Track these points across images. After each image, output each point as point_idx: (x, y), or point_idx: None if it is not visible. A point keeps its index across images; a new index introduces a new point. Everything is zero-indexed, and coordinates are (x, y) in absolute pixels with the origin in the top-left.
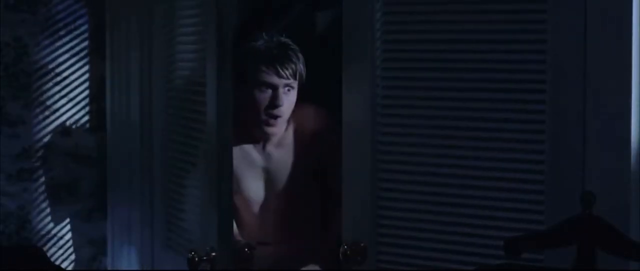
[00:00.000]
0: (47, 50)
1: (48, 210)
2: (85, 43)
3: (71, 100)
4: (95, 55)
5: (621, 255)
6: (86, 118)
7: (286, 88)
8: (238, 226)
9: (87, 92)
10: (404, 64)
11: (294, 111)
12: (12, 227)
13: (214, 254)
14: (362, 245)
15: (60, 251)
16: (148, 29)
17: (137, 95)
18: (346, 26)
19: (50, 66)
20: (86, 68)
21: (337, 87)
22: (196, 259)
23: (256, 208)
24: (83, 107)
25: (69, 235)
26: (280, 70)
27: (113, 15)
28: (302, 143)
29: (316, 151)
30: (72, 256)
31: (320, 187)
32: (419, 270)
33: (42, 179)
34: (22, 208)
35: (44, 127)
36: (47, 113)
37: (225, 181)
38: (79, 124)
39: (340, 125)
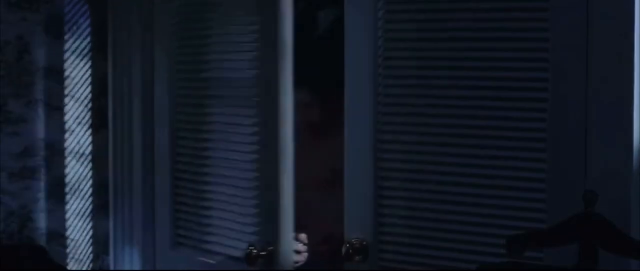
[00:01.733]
0: (49, 49)
1: (50, 209)
2: (88, 41)
3: (73, 98)
4: (98, 53)
5: (623, 254)
6: (88, 116)
7: None
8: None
9: (89, 91)
10: (406, 62)
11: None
12: (14, 226)
13: (270, 248)
14: (363, 243)
15: (63, 250)
16: (150, 27)
17: (139, 93)
18: (348, 24)
19: (52, 65)
20: (88, 66)
21: (340, 85)
22: (254, 253)
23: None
24: (85, 106)
25: (71, 234)
26: None
27: (115, 14)
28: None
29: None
30: (75, 255)
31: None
32: (420, 268)
33: (44, 178)
34: (24, 207)
35: (46, 126)
36: (49, 111)
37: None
38: (81, 123)
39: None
